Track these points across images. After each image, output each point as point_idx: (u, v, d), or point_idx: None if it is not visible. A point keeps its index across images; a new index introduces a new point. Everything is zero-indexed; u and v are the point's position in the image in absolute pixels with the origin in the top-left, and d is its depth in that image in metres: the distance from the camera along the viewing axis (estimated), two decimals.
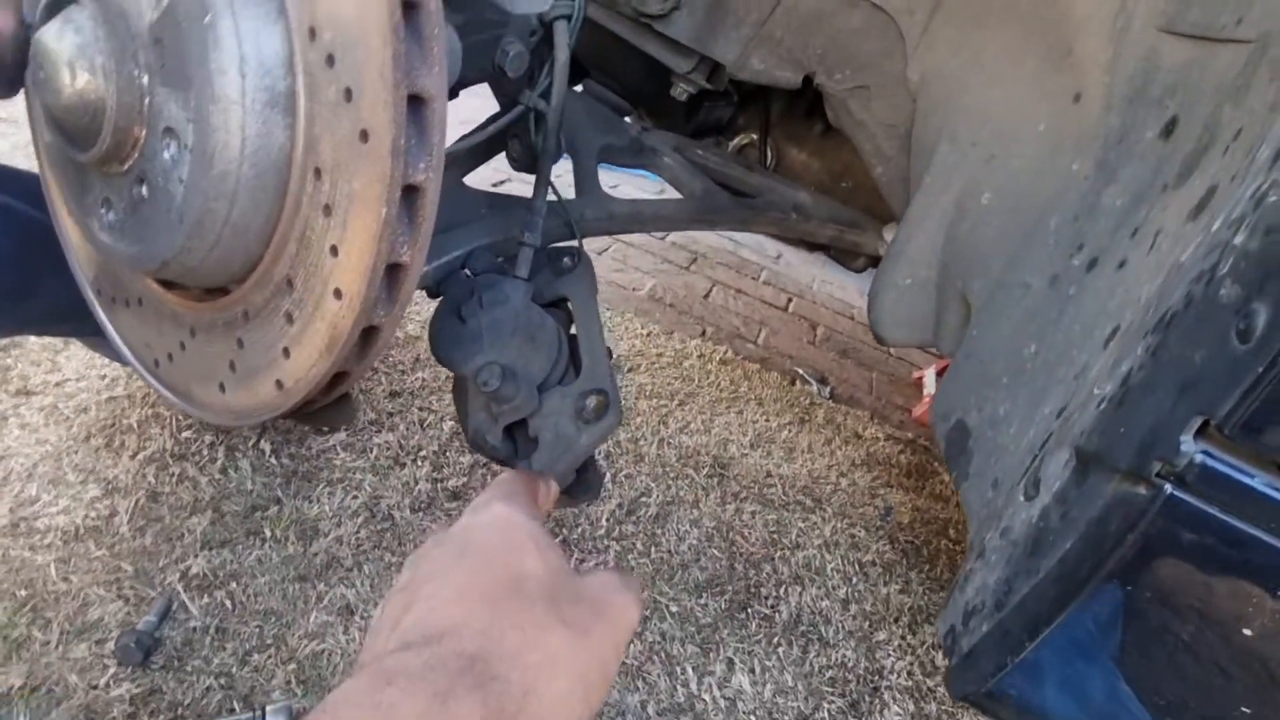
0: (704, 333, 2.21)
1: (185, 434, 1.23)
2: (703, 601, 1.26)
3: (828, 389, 2.14)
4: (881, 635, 1.31)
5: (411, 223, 0.54)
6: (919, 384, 2.39)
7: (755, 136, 1.31)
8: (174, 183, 0.56)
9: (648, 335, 2.06)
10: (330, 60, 0.51)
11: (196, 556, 1.05)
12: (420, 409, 1.44)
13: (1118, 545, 0.40)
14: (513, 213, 0.93)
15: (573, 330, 0.95)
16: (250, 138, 0.53)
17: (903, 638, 1.32)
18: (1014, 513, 0.53)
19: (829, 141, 1.27)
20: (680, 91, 1.10)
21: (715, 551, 1.37)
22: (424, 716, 0.32)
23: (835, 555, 1.46)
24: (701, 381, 1.93)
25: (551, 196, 0.95)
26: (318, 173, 0.54)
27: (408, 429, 1.37)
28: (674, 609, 1.23)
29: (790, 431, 1.83)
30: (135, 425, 1.23)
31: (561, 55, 0.81)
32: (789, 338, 2.41)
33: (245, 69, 0.52)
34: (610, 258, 2.49)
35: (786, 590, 1.33)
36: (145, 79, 0.55)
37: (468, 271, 0.89)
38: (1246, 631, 0.38)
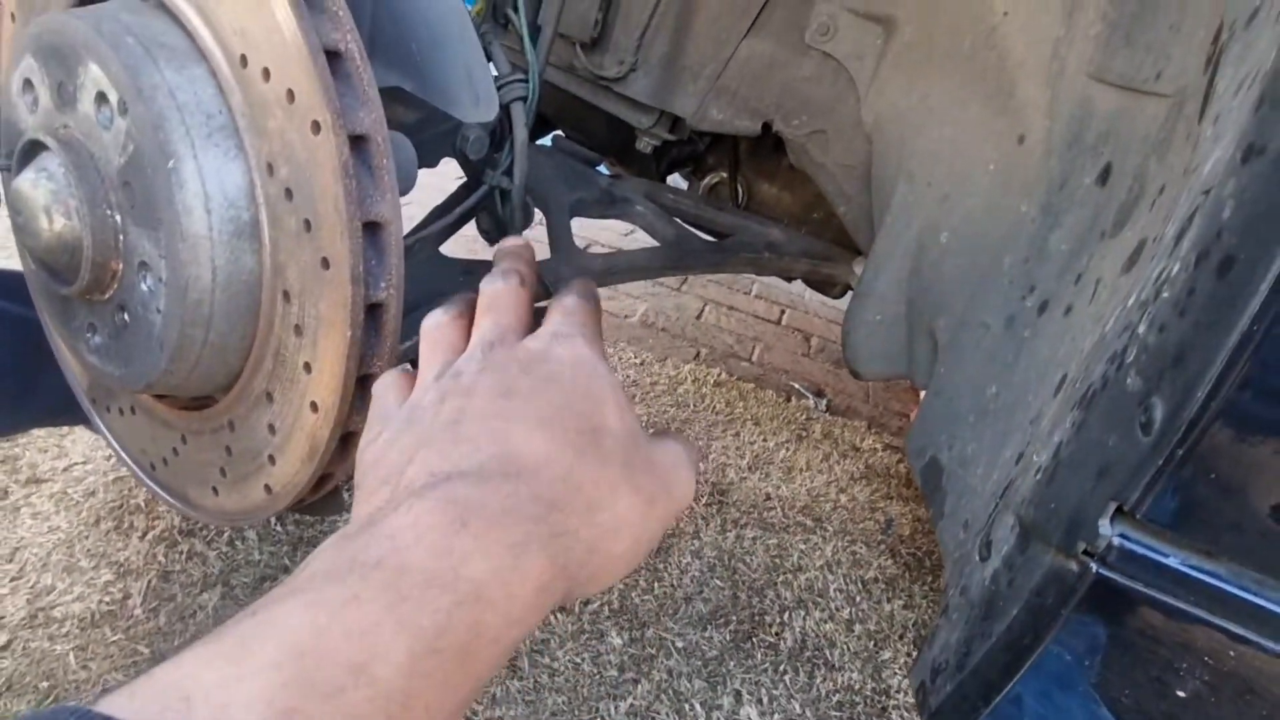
0: (698, 355, 2.24)
1: None
2: (708, 634, 1.28)
3: (824, 401, 2.16)
4: (887, 654, 1.33)
5: (378, 335, 0.57)
6: (915, 388, 2.41)
7: (725, 175, 1.34)
8: (152, 312, 0.58)
9: (641, 364, 2.08)
10: (289, 194, 0.54)
11: (209, 633, 1.08)
12: None
13: (1055, 617, 0.42)
14: None
15: None
16: (220, 267, 0.56)
17: (908, 654, 1.34)
18: (971, 571, 0.55)
19: (798, 175, 1.30)
20: (645, 144, 1.13)
21: (718, 581, 1.39)
22: (496, 573, 0.30)
23: (837, 575, 1.48)
24: (697, 406, 1.95)
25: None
26: (286, 295, 0.57)
27: None
28: (679, 644, 1.25)
29: (788, 450, 1.85)
30: (142, 505, 1.26)
31: (520, 135, 0.84)
32: (783, 352, 2.43)
33: (210, 205, 0.55)
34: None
35: (790, 616, 1.35)
36: (118, 218, 0.58)
37: None
38: (1180, 694, 0.41)
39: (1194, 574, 0.38)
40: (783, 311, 2.71)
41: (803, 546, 1.53)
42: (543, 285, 1.03)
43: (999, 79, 0.83)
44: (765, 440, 1.87)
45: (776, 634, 1.31)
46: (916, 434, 0.89)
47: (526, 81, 0.85)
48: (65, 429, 1.36)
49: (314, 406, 0.58)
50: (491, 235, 0.95)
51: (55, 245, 0.59)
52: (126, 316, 0.62)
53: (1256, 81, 0.37)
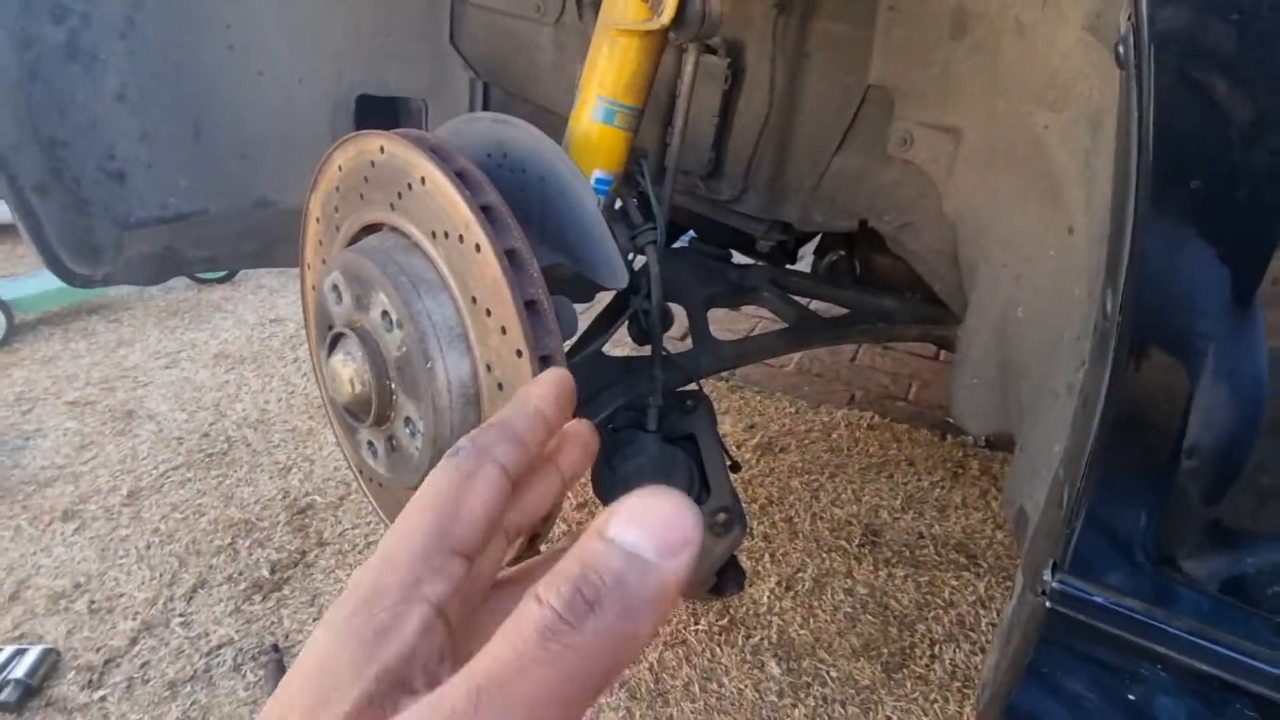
0: (852, 399, 2.37)
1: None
2: (859, 665, 1.43)
3: (982, 437, 2.21)
4: None
5: None
6: None
7: (843, 252, 1.51)
8: (412, 449, 0.88)
9: (796, 412, 2.25)
10: (500, 385, 0.81)
11: None
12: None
13: (1032, 644, 0.58)
14: (642, 374, 1.21)
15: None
16: (455, 424, 0.84)
17: None
18: (1009, 607, 0.71)
19: None
20: (763, 245, 1.34)
21: (869, 617, 1.53)
22: None
23: (990, 610, 1.56)
24: (851, 450, 2.09)
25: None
26: None
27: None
28: (833, 674, 1.41)
29: (943, 489, 1.94)
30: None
31: (654, 270, 1.09)
32: (940, 388, 2.48)
33: (451, 388, 0.83)
34: None
35: (940, 649, 1.46)
36: (393, 387, 0.88)
37: (612, 427, 1.18)
38: (1131, 697, 0.54)
39: (1118, 609, 0.53)
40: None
41: (955, 583, 1.63)
42: (685, 375, 1.27)
43: (1049, 180, 0.96)
44: (919, 480, 1.97)
45: (926, 666, 1.43)
46: (1009, 485, 1.02)
47: (656, 229, 1.09)
48: (82, 463, 1.78)
49: None
50: (639, 339, 1.20)
51: (353, 401, 0.91)
52: (394, 445, 0.93)
53: None
